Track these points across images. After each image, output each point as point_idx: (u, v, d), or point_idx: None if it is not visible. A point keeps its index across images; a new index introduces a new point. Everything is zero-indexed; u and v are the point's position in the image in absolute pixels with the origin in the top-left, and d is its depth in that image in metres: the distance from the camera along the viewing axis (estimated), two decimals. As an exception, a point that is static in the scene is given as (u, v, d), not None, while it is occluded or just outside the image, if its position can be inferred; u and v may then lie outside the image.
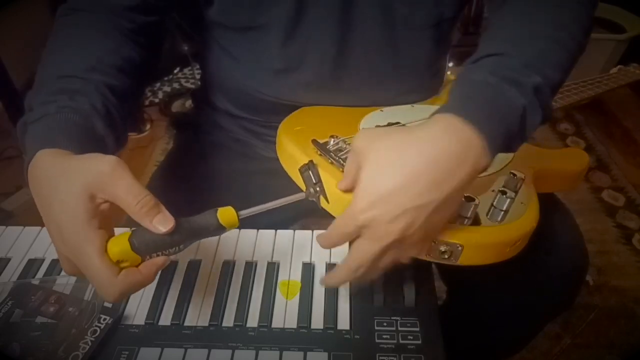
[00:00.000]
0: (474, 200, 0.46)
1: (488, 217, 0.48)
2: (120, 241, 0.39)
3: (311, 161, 0.49)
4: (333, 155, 0.52)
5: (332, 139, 0.56)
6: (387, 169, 0.38)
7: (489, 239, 0.46)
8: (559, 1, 0.49)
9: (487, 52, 0.44)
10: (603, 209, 1.54)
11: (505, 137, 0.40)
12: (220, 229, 0.41)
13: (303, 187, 0.48)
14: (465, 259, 0.46)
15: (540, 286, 0.64)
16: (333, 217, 0.44)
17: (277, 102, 0.66)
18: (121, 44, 0.54)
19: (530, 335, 0.79)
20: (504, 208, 0.48)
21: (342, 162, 0.51)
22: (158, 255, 0.40)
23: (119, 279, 0.38)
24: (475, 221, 0.47)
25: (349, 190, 0.43)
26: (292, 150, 0.56)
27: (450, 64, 0.84)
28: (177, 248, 0.40)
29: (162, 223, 0.38)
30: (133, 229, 0.40)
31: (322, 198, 0.47)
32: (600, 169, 1.69)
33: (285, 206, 0.44)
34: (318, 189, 0.47)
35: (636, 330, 1.17)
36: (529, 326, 0.75)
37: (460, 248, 0.45)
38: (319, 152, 0.54)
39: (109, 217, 0.40)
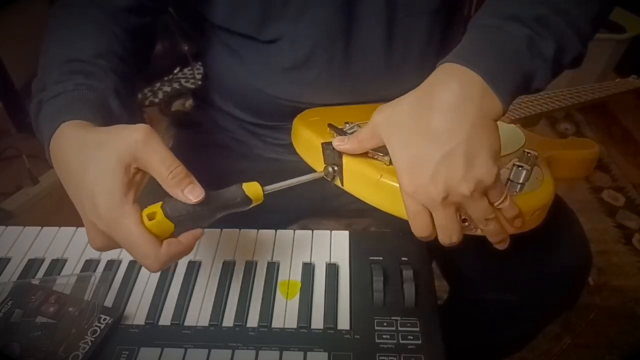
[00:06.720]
0: None
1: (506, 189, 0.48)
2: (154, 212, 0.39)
3: None
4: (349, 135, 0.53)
5: (347, 124, 0.57)
6: (411, 139, 0.39)
7: None
8: None
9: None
10: (603, 209, 1.54)
11: (514, 73, 0.40)
12: (247, 201, 0.43)
13: (318, 167, 0.50)
14: None
15: (541, 286, 0.64)
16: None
17: (281, 103, 0.66)
18: (119, 38, 0.55)
19: (530, 335, 0.79)
20: (521, 180, 0.48)
21: None
22: (191, 229, 0.41)
23: (162, 250, 0.39)
24: None
25: (347, 149, 0.43)
26: (308, 135, 0.57)
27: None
28: (207, 219, 0.41)
29: (192, 193, 0.39)
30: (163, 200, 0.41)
31: (337, 179, 0.49)
32: (600, 169, 1.69)
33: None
34: (337, 168, 0.49)
35: (636, 330, 1.17)
36: (529, 326, 0.75)
37: None
38: (335, 135, 0.54)
39: (140, 187, 0.40)
